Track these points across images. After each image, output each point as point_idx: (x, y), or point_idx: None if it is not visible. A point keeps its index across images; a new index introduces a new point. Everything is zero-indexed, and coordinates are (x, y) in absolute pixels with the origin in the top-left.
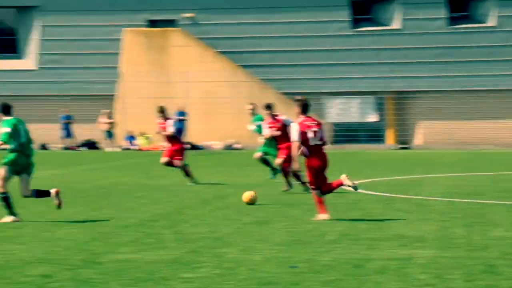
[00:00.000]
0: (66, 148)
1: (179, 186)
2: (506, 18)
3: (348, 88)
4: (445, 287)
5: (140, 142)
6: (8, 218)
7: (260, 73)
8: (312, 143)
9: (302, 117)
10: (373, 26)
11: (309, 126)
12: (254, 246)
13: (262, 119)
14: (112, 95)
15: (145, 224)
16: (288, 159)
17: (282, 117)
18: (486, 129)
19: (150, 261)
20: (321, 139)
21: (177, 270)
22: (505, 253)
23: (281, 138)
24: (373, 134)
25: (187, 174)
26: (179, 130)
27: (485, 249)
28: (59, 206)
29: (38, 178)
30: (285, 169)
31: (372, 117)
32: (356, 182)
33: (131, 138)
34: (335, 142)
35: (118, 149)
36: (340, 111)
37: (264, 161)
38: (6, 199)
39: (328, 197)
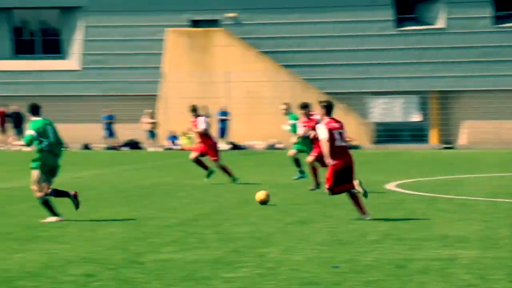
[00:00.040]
0: (109, 148)
1: (221, 185)
2: None
3: (392, 88)
4: None
5: (182, 142)
6: (52, 218)
7: (302, 72)
8: (337, 144)
9: (326, 119)
10: (417, 25)
11: (335, 128)
12: (295, 246)
13: (296, 118)
14: (155, 95)
15: (187, 224)
16: (320, 158)
17: (317, 116)
18: None
19: (192, 261)
20: (344, 140)
21: (218, 269)
22: None
23: (315, 137)
24: (416, 134)
25: (227, 172)
26: (222, 130)
27: None
28: (77, 207)
29: (81, 178)
30: (315, 168)
31: (416, 117)
32: (366, 189)
33: (173, 138)
34: (378, 142)
35: (160, 149)
36: (383, 110)
37: (296, 161)
38: (46, 203)
39: (370, 198)
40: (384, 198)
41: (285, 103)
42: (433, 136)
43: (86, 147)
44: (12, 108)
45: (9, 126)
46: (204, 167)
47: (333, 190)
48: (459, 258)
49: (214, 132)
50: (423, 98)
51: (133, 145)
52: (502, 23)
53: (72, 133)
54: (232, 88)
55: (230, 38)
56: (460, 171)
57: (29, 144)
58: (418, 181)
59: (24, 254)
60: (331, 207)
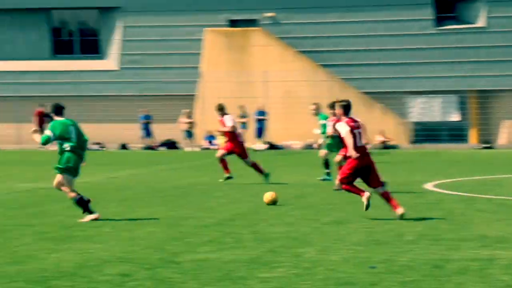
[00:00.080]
0: (146, 148)
1: (258, 185)
2: None
3: (431, 87)
4: None
5: (219, 142)
6: (89, 216)
7: (340, 72)
8: (357, 144)
9: (345, 119)
10: (457, 24)
11: (354, 127)
12: (332, 246)
13: (326, 118)
14: (192, 95)
15: (224, 224)
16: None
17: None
18: None
19: (228, 261)
20: (363, 140)
21: (255, 269)
22: None
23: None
24: (455, 133)
25: (258, 169)
26: (259, 130)
27: None
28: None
29: (118, 178)
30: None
31: (455, 116)
32: (370, 203)
33: (210, 138)
34: (416, 141)
35: (198, 149)
36: (422, 110)
37: (325, 162)
38: (79, 202)
39: (407, 197)
40: (421, 198)
41: (315, 103)
42: (472, 136)
43: (124, 147)
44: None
45: (47, 126)
46: (226, 169)
47: (344, 184)
48: (497, 258)
49: (251, 131)
50: (462, 98)
51: (170, 145)
52: None
53: (109, 133)
54: (269, 88)
55: (268, 38)
56: (499, 171)
57: (44, 143)
58: (456, 181)
59: (60, 253)
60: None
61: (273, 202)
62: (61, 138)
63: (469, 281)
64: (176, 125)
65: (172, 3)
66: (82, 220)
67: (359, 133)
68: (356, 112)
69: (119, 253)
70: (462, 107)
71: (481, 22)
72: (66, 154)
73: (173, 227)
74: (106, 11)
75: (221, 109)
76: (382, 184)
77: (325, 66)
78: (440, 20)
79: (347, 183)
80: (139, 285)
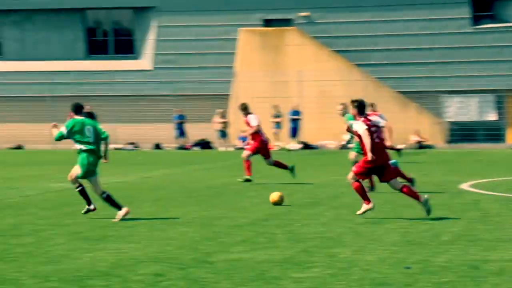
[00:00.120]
0: (180, 148)
1: (292, 185)
2: None
3: (467, 87)
4: None
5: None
6: (121, 212)
7: (375, 71)
8: (375, 142)
9: (361, 118)
10: (494, 23)
11: (370, 126)
12: (367, 246)
13: (353, 119)
14: (227, 95)
15: (257, 224)
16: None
17: (373, 117)
18: None
19: (262, 261)
20: (380, 138)
21: (288, 269)
22: None
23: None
24: (492, 133)
25: (281, 166)
26: (293, 130)
27: None
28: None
29: (152, 177)
30: None
31: (492, 116)
32: (363, 213)
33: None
34: (452, 141)
35: (231, 149)
36: (458, 110)
37: (355, 164)
38: (108, 198)
39: (443, 198)
40: (458, 198)
41: (342, 104)
42: (509, 136)
43: (157, 146)
44: (85, 108)
45: None
46: (248, 170)
47: (356, 181)
48: None
49: (286, 131)
50: (499, 97)
51: (204, 144)
52: None
53: (143, 133)
54: (304, 87)
55: (302, 37)
56: None
57: (58, 139)
58: (493, 181)
59: (94, 253)
60: (402, 207)
61: (279, 203)
62: (76, 136)
63: (506, 282)
64: (210, 125)
65: (207, 3)
66: (117, 218)
67: (376, 131)
68: (391, 112)
69: (153, 253)
70: (499, 107)
71: None
72: (81, 155)
73: (207, 227)
74: (141, 11)
75: (245, 109)
76: (394, 177)
77: (359, 65)
78: (477, 19)
79: (360, 178)
80: (172, 285)
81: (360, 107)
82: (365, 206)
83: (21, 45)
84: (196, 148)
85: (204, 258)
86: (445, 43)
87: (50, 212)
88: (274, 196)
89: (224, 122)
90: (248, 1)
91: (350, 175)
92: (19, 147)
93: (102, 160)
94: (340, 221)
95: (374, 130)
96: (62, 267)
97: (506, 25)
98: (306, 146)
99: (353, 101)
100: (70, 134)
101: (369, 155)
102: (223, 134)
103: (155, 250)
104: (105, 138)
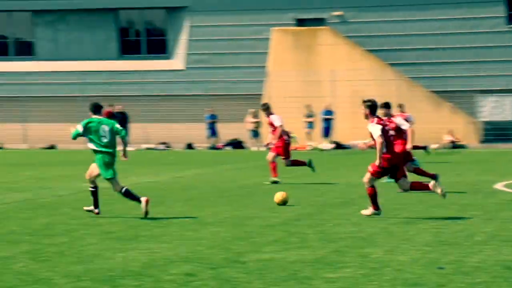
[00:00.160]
0: (212, 148)
1: (323, 185)
2: None
3: (502, 86)
4: None
5: (292, 141)
6: (143, 205)
7: (409, 71)
8: (389, 143)
9: (373, 118)
10: None
11: (384, 125)
12: (399, 247)
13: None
14: (259, 95)
15: (289, 224)
16: (405, 155)
17: (397, 118)
18: None
19: (293, 261)
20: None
21: (320, 269)
22: None
23: (394, 137)
24: None
25: (299, 164)
26: (326, 129)
27: None
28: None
29: (184, 177)
30: None
31: None
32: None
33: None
34: (486, 141)
35: (263, 149)
36: (493, 109)
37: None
38: (127, 193)
39: (477, 197)
40: (492, 198)
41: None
42: None
43: (189, 146)
44: (117, 108)
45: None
46: (274, 171)
47: (370, 186)
48: None
49: (318, 131)
50: None
51: (236, 144)
52: None
53: (175, 132)
54: (337, 87)
55: (335, 37)
56: None
57: (73, 138)
58: None
59: (126, 253)
60: (435, 207)
61: (284, 203)
62: (91, 136)
63: None
64: (242, 125)
65: (239, 3)
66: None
67: (396, 134)
68: (424, 111)
69: (185, 253)
70: None
71: None
72: (97, 156)
73: (238, 227)
74: (173, 11)
75: (267, 109)
76: (405, 175)
77: (393, 65)
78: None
79: (375, 179)
80: (204, 284)
81: (372, 107)
82: (371, 210)
83: (54, 45)
84: (228, 148)
85: (236, 258)
86: (479, 42)
87: (82, 212)
88: (278, 196)
89: (257, 122)
90: (281, 1)
91: (366, 176)
92: (51, 147)
93: (121, 158)
94: (372, 221)
95: (392, 132)
96: (94, 266)
97: None
98: (339, 146)
99: (365, 101)
100: (86, 132)
101: (379, 162)
102: (255, 133)
103: (187, 250)
104: (123, 137)
